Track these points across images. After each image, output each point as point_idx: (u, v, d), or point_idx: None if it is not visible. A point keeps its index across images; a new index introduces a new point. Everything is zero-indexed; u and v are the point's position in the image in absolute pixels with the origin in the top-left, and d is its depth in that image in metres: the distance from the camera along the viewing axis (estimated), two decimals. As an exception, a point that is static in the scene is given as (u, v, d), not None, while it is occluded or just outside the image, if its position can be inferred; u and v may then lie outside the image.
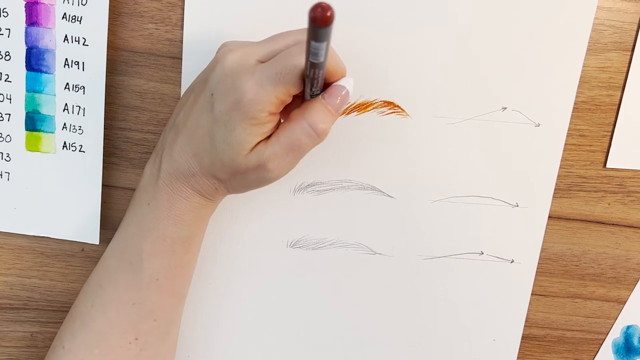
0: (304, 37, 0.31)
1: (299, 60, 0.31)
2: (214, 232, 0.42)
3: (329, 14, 0.23)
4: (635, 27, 0.40)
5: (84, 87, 0.39)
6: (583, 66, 0.40)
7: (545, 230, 0.43)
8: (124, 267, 0.36)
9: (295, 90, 0.32)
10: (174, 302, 0.38)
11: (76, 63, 0.39)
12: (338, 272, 0.44)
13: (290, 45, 0.33)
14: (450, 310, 0.45)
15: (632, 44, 0.40)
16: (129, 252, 0.36)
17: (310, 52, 0.28)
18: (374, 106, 0.41)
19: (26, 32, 0.38)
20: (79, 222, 0.42)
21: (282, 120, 0.35)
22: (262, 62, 0.33)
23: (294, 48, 0.32)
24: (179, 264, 0.37)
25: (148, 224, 0.36)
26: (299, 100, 0.34)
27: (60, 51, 0.39)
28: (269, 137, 0.34)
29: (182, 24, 0.39)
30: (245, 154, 0.33)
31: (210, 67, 0.34)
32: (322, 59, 0.28)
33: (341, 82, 0.34)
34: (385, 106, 0.41)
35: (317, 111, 0.33)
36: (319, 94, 0.33)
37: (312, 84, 0.32)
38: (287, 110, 0.35)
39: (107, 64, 0.39)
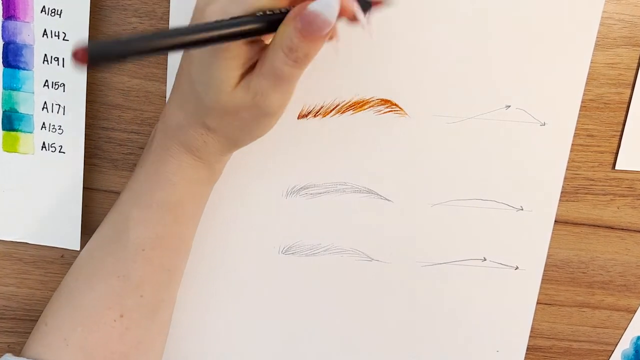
0: None
1: None
2: (201, 238, 0.41)
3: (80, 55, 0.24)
4: (646, 21, 0.40)
5: (64, 85, 0.39)
6: (591, 62, 0.40)
7: (551, 236, 0.43)
8: (113, 235, 0.36)
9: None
10: (163, 279, 0.37)
11: (56, 59, 0.38)
12: (333, 280, 0.43)
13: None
14: (451, 320, 0.44)
15: (642, 38, 0.40)
16: (119, 220, 0.36)
17: None
18: (371, 105, 0.40)
19: (3, 26, 0.38)
20: (59, 227, 0.41)
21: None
22: None
23: None
24: (167, 235, 0.36)
25: (139, 189, 0.35)
26: None
27: (39, 46, 0.38)
28: (253, 67, 0.31)
29: (168, 18, 0.39)
30: (229, 91, 0.31)
31: None
32: None
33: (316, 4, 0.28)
34: (382, 104, 0.40)
35: (291, 37, 0.29)
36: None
37: None
38: None
39: (88, 59, 0.38)
